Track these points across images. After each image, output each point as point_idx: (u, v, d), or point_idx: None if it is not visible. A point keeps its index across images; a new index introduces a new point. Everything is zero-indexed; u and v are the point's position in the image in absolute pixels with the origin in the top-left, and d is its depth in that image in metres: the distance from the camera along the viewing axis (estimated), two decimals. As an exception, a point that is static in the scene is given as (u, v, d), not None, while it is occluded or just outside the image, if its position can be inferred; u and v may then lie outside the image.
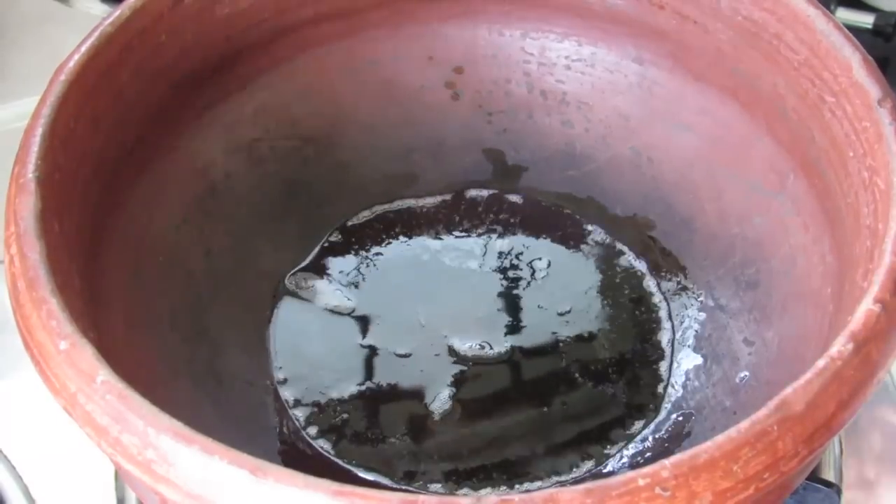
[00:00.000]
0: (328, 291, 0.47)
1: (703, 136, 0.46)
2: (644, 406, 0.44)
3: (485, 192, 0.51)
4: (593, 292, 0.47)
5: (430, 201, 0.50)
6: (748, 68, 0.43)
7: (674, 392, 0.44)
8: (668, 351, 0.45)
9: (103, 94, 0.39)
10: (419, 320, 0.46)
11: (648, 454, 0.42)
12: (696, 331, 0.45)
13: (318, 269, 0.48)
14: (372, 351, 0.45)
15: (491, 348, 0.45)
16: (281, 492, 0.26)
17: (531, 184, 0.50)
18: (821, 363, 0.30)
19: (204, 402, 0.40)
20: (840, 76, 0.38)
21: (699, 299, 0.46)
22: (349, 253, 0.48)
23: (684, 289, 0.47)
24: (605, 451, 0.42)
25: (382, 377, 0.44)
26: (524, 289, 0.47)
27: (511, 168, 0.51)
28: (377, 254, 0.49)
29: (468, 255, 0.49)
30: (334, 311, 0.47)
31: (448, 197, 0.50)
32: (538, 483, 0.41)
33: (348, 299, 0.47)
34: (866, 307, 0.31)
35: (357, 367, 0.45)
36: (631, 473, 0.27)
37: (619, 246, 0.49)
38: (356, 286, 0.47)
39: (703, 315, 0.46)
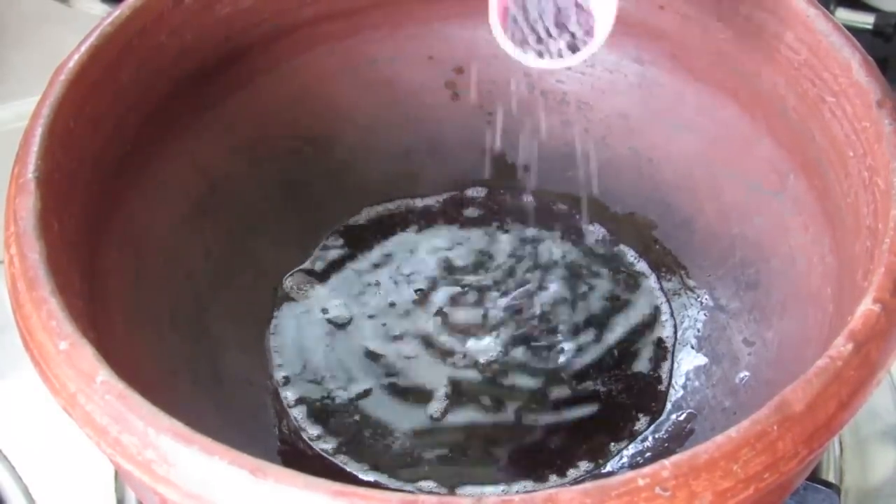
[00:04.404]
0: (328, 291, 0.47)
1: (703, 136, 0.46)
2: (644, 406, 0.44)
3: (484, 192, 0.51)
4: (593, 292, 0.47)
5: (429, 201, 0.50)
6: (748, 68, 0.43)
7: (674, 392, 0.44)
8: (668, 351, 0.45)
9: (103, 94, 0.39)
10: (418, 321, 0.46)
11: (648, 454, 0.42)
12: (697, 331, 0.45)
13: (318, 269, 0.48)
14: (371, 351, 0.45)
15: (490, 349, 0.45)
16: (281, 492, 0.26)
17: (531, 183, 0.50)
18: (821, 363, 0.30)
19: (204, 402, 0.40)
20: (840, 76, 0.38)
21: (699, 299, 0.46)
22: (349, 253, 0.48)
23: (685, 289, 0.47)
24: (605, 451, 0.42)
25: (382, 377, 0.44)
26: (524, 289, 0.47)
27: (511, 168, 0.51)
28: (377, 254, 0.49)
29: (468, 255, 0.49)
30: (333, 311, 0.47)
31: (448, 197, 0.50)
32: (538, 483, 0.41)
33: (348, 299, 0.47)
34: (866, 307, 0.31)
35: (356, 368, 0.45)
36: (631, 473, 0.27)
37: (620, 246, 0.49)
38: (356, 286, 0.47)
39: (703, 315, 0.46)
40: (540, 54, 0.34)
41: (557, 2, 0.33)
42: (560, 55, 0.34)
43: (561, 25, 0.34)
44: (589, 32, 0.34)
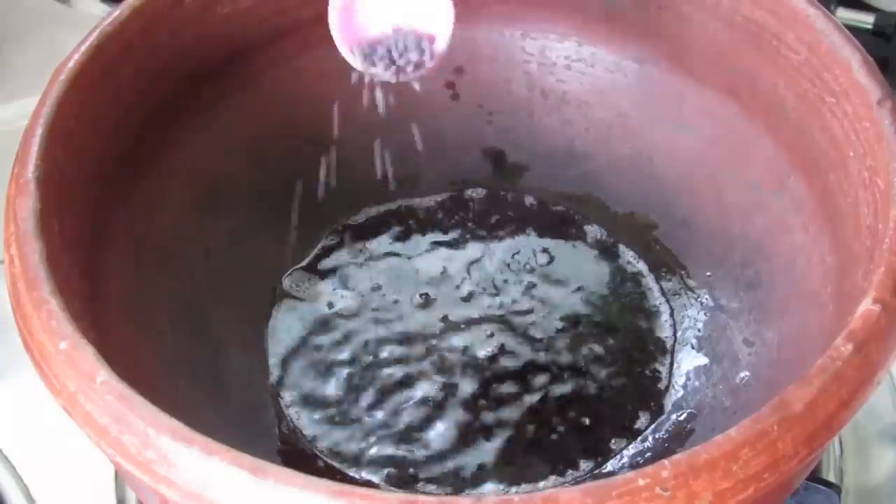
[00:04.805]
0: (327, 291, 0.47)
1: (703, 136, 0.46)
2: (644, 406, 0.44)
3: (485, 192, 0.51)
4: (593, 292, 0.47)
5: (429, 201, 0.50)
6: (748, 68, 0.43)
7: (674, 392, 0.44)
8: (668, 351, 0.45)
9: (103, 94, 0.39)
10: (418, 320, 0.46)
11: (648, 454, 0.42)
12: (697, 331, 0.45)
13: (318, 269, 0.48)
14: (370, 351, 0.45)
15: (490, 348, 0.45)
16: (281, 492, 0.26)
17: (531, 183, 0.50)
18: (821, 363, 0.30)
19: (204, 402, 0.40)
20: (840, 76, 0.38)
21: (699, 299, 0.46)
22: (349, 252, 0.48)
23: (685, 288, 0.47)
24: (606, 451, 0.42)
25: (381, 376, 0.44)
26: (524, 288, 0.47)
27: (511, 167, 0.51)
28: (376, 253, 0.48)
29: (468, 254, 0.49)
30: (333, 311, 0.47)
31: (448, 196, 0.50)
32: (538, 483, 0.41)
33: (347, 299, 0.47)
34: (866, 307, 0.31)
35: (356, 367, 0.45)
36: (631, 473, 0.27)
37: (620, 246, 0.49)
38: (355, 286, 0.47)
39: (703, 315, 0.46)
40: (396, 72, 0.40)
41: (404, 34, 0.40)
42: (414, 68, 0.40)
43: (410, 48, 0.40)
44: (432, 49, 0.40)
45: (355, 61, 0.40)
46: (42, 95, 0.37)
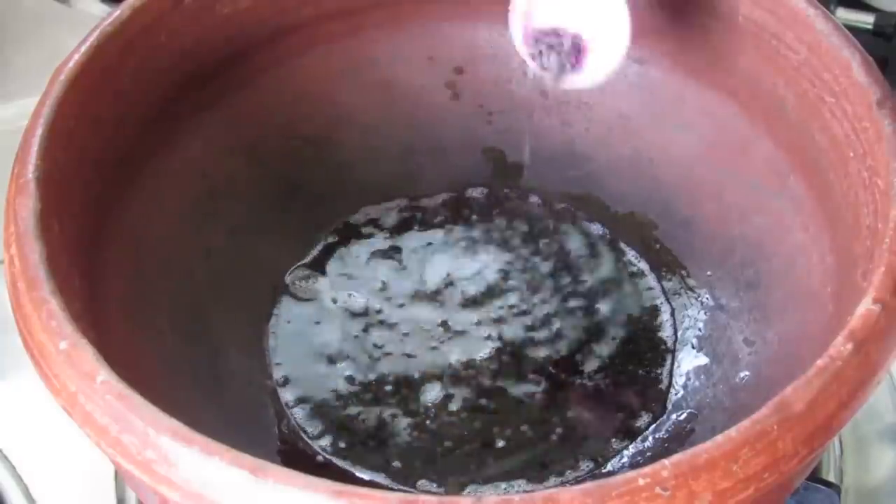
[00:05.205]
0: (327, 291, 0.47)
1: (703, 136, 0.46)
2: (644, 406, 0.44)
3: (484, 192, 0.51)
4: (593, 292, 0.47)
5: (429, 201, 0.50)
6: (748, 68, 0.43)
7: (674, 392, 0.44)
8: (668, 351, 0.45)
9: (103, 94, 0.39)
10: (418, 319, 0.46)
11: (649, 454, 0.42)
12: (697, 331, 0.45)
13: (318, 269, 0.48)
14: (371, 350, 0.45)
15: (490, 348, 0.45)
16: (281, 492, 0.26)
17: (531, 183, 0.50)
18: (821, 363, 0.30)
19: (204, 402, 0.40)
20: (840, 76, 0.38)
21: (700, 299, 0.46)
22: (348, 252, 0.48)
23: (685, 288, 0.47)
24: (606, 451, 0.42)
25: (382, 376, 0.44)
26: (524, 288, 0.47)
27: (511, 167, 0.51)
28: (376, 253, 0.49)
29: (467, 254, 0.49)
30: (333, 311, 0.47)
31: (448, 196, 0.50)
32: (538, 483, 0.41)
33: (347, 299, 0.47)
34: (866, 307, 0.31)
35: (356, 367, 0.45)
36: (631, 473, 0.27)
37: (620, 245, 0.49)
38: (355, 286, 0.47)
39: (703, 315, 0.46)
40: (559, 71, 0.42)
41: (572, 39, 0.41)
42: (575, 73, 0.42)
43: (577, 55, 0.41)
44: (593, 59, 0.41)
45: (523, 50, 0.42)
46: (42, 95, 0.37)
